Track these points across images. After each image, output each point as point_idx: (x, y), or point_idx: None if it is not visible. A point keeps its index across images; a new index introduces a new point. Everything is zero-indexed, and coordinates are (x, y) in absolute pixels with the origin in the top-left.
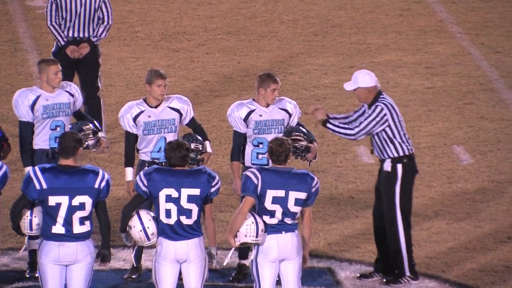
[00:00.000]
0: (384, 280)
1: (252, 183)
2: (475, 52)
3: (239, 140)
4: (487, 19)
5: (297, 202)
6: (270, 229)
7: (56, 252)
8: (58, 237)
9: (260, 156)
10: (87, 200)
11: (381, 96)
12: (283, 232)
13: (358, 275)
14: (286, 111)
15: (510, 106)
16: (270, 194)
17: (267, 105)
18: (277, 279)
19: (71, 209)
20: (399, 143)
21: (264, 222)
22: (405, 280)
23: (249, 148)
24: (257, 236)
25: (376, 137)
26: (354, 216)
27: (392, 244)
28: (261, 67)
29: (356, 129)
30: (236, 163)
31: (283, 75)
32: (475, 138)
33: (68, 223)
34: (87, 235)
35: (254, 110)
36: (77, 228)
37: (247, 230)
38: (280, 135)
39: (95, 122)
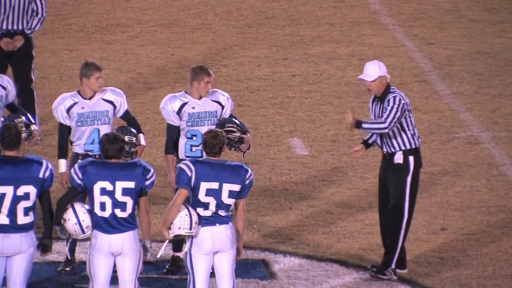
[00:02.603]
0: (373, 269)
1: (186, 175)
2: (409, 43)
3: (173, 133)
4: (420, 10)
5: (231, 194)
6: (204, 221)
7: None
8: (3, 228)
9: (194, 149)
10: (31, 190)
11: (392, 88)
12: (217, 224)
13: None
14: (219, 103)
15: (443, 97)
16: (204, 186)
17: (200, 97)
18: (211, 271)
19: (16, 199)
20: (411, 134)
21: (198, 214)
22: (389, 273)
23: (182, 141)
24: (190, 229)
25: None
26: (288, 208)
27: (392, 236)
28: (194, 59)
29: (388, 121)
30: (171, 156)
31: (216, 67)
32: None
33: (12, 213)
34: (30, 226)
35: (187, 102)
36: (21, 219)
37: (181, 223)
38: (213, 127)
39: (28, 115)
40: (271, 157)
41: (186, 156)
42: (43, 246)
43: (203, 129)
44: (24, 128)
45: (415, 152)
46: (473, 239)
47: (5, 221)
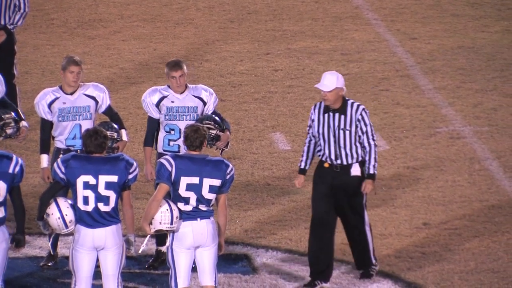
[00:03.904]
0: (359, 273)
1: (166, 170)
2: (391, 38)
3: (152, 126)
4: (402, 5)
5: (212, 189)
6: (185, 216)
7: None
8: None
9: (171, 143)
10: (1, 185)
11: (347, 98)
12: (198, 219)
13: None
14: (201, 99)
15: (425, 92)
16: (184, 181)
17: (182, 92)
18: (194, 266)
19: None
20: (362, 146)
21: (179, 209)
22: (374, 270)
23: (161, 134)
24: (171, 223)
25: (351, 140)
26: (270, 203)
27: (360, 243)
28: (177, 54)
29: (373, 142)
30: (149, 149)
31: (199, 62)
32: (391, 125)
33: None
34: (2, 221)
35: (167, 96)
36: None
37: (162, 217)
38: (193, 122)
39: (19, 110)
40: (253, 152)
41: (164, 150)
42: (16, 241)
43: (182, 124)
44: (12, 124)
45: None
46: (455, 234)
47: None
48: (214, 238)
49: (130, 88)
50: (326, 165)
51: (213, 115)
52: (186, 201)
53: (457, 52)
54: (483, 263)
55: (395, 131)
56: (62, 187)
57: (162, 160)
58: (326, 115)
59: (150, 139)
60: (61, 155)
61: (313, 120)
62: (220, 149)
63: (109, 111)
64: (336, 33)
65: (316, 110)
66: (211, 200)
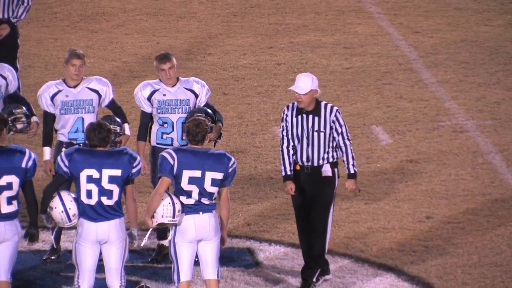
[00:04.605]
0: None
1: (168, 163)
2: (394, 32)
3: (145, 120)
4: None
5: (214, 182)
6: (187, 209)
7: None
8: None
9: (164, 136)
10: (14, 179)
11: (320, 100)
12: (200, 213)
13: None
14: (192, 91)
15: (428, 86)
16: (186, 174)
17: (173, 85)
18: (196, 259)
19: None
20: (333, 147)
21: (181, 203)
22: (328, 278)
23: (154, 128)
24: (174, 217)
25: (325, 142)
26: (273, 197)
27: (319, 246)
28: (180, 47)
29: (348, 142)
30: (141, 143)
31: (202, 56)
32: (394, 118)
33: None
34: (15, 214)
35: (158, 89)
36: (5, 208)
37: (164, 211)
38: (185, 115)
39: (31, 105)
40: (256, 146)
41: (157, 143)
42: (30, 236)
43: (174, 117)
44: (23, 119)
45: (337, 164)
46: (459, 228)
47: None
48: (217, 232)
49: (133, 82)
50: (297, 167)
51: (205, 107)
52: (188, 194)
53: (460, 46)
54: (486, 256)
55: (398, 125)
56: (66, 181)
57: (164, 153)
58: (299, 116)
59: (143, 133)
60: (63, 149)
61: (286, 121)
62: (212, 140)
63: (112, 104)
64: (339, 27)
65: (289, 112)
66: (213, 193)
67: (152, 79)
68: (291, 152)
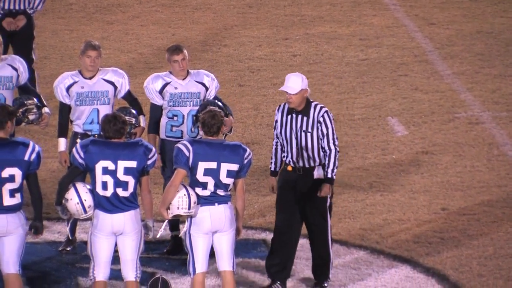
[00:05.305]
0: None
1: (184, 155)
2: (409, 23)
3: (156, 113)
4: None
5: (229, 173)
6: (202, 201)
7: None
8: None
9: (174, 129)
10: (16, 172)
11: (311, 100)
12: (216, 204)
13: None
14: (203, 84)
15: (444, 77)
16: (202, 166)
17: (184, 78)
18: (212, 251)
19: (1, 181)
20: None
21: (197, 194)
22: (327, 283)
23: (163, 120)
24: (189, 208)
25: (313, 143)
26: None
27: (322, 251)
28: (195, 39)
29: (333, 147)
30: (152, 136)
31: (217, 47)
32: (409, 110)
33: None
34: (18, 207)
35: (170, 82)
36: (7, 200)
37: (179, 203)
38: (196, 108)
39: (41, 97)
40: (271, 137)
41: (167, 136)
42: (35, 229)
43: (185, 110)
44: (35, 110)
45: None
46: (474, 219)
47: None
48: (232, 223)
49: (149, 73)
50: (289, 168)
51: (216, 101)
52: (204, 186)
53: (476, 37)
54: (502, 248)
55: (413, 117)
56: (81, 172)
57: (179, 145)
58: (289, 116)
59: (154, 126)
60: (78, 140)
61: (276, 121)
62: (224, 134)
63: (128, 96)
64: (354, 18)
65: (280, 112)
66: (229, 185)
67: (165, 71)
68: (279, 149)
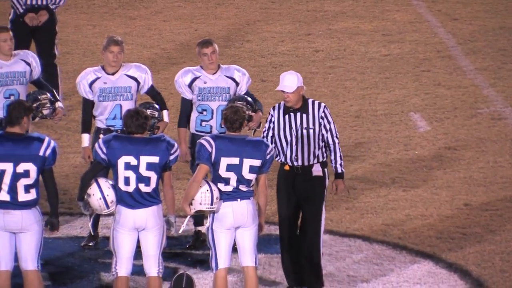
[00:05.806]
0: None
1: (206, 151)
2: (432, 19)
3: (185, 107)
4: None
5: (252, 169)
6: (225, 196)
7: (1, 219)
8: (4, 204)
9: (203, 123)
10: (31, 167)
11: (307, 97)
12: (239, 200)
13: None
14: (233, 79)
15: (466, 73)
16: (224, 161)
17: (214, 72)
18: (234, 246)
19: (16, 176)
20: (322, 146)
21: (219, 190)
22: None
23: (194, 115)
24: (212, 204)
25: (315, 139)
26: None
27: (315, 254)
28: (218, 34)
29: (337, 140)
30: (183, 130)
31: (240, 43)
32: (432, 105)
33: (13, 190)
34: (33, 203)
35: (199, 77)
36: (22, 196)
37: (202, 198)
38: (225, 103)
39: (54, 91)
40: None
41: (196, 131)
42: (51, 225)
43: (214, 105)
44: (48, 105)
45: (326, 164)
46: (497, 215)
47: (6, 197)
48: (255, 219)
49: (171, 69)
50: (286, 167)
51: (246, 96)
52: (226, 181)
53: (499, 33)
54: None
55: (436, 112)
56: (103, 168)
57: (202, 140)
58: (287, 116)
59: (184, 119)
60: (101, 135)
61: (273, 122)
62: (252, 129)
63: (151, 91)
64: (377, 14)
65: (276, 112)
66: (251, 180)
67: (190, 66)
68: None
